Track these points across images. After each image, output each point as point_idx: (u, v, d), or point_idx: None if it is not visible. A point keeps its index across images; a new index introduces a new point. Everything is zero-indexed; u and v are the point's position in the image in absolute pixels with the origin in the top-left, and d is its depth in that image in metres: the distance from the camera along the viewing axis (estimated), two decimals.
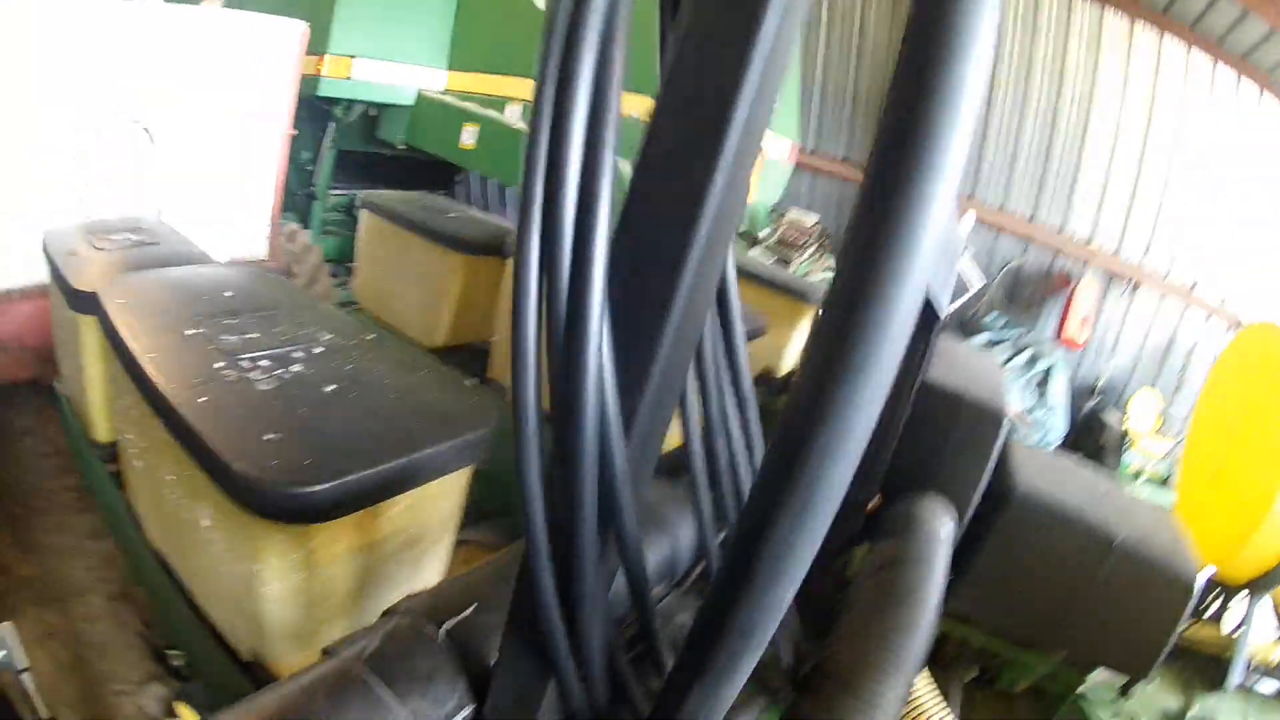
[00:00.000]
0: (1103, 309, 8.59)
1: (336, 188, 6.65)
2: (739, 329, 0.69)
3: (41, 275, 3.72)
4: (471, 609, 0.85)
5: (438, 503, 1.52)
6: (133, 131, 4.24)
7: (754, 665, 0.56)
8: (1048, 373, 7.59)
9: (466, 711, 0.78)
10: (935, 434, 1.47)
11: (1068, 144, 8.45)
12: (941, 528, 1.39)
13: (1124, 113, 8.13)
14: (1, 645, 1.82)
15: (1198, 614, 2.54)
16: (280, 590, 1.34)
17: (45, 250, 2.29)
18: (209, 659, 1.49)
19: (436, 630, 0.82)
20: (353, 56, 6.16)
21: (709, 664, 0.55)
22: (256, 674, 1.37)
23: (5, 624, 1.85)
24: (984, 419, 1.46)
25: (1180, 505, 3.39)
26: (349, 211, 4.15)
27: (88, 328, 1.92)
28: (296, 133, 5.33)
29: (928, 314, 1.37)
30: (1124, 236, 8.45)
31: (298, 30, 5.01)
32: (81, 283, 1.93)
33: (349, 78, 6.13)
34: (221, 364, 1.50)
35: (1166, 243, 8.26)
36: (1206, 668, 2.39)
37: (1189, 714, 2.11)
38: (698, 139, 0.50)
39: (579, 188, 0.49)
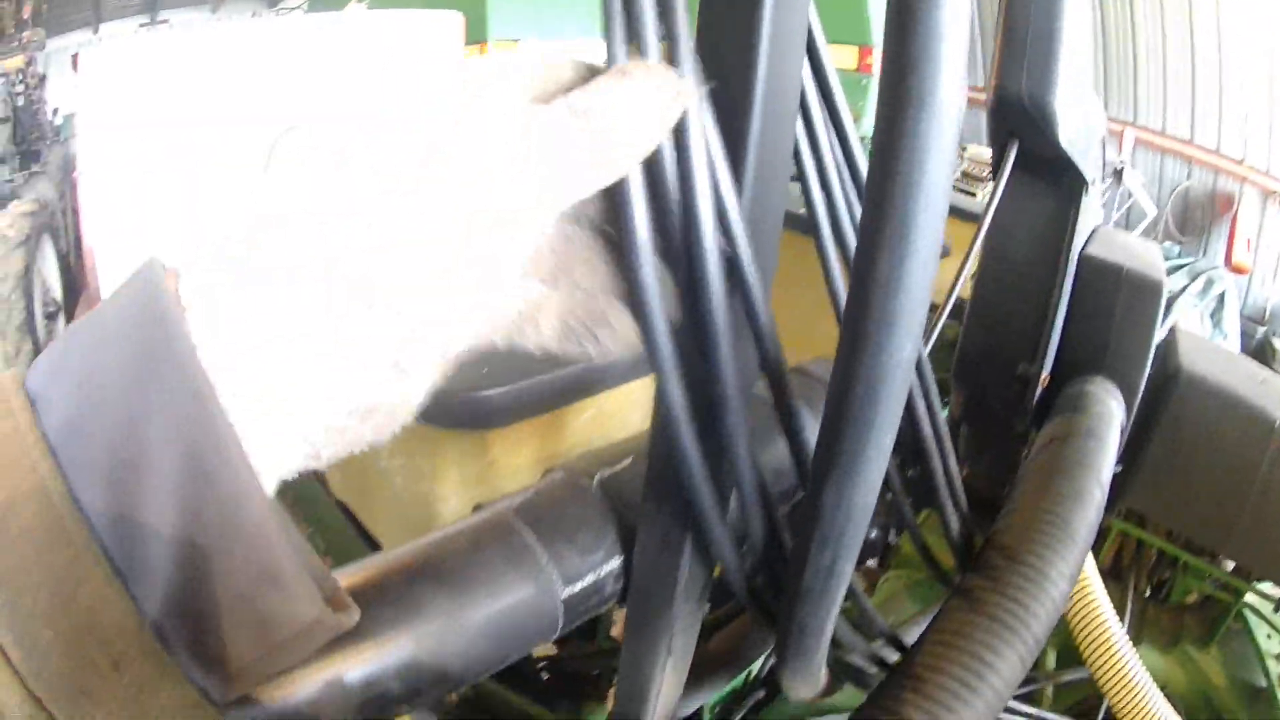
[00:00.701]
0: (1262, 230, 8.18)
1: None
2: (834, 84, 0.66)
3: None
4: (629, 460, 0.84)
5: (623, 414, 1.52)
6: (304, 145, 4.39)
7: (889, 443, 0.53)
8: (1221, 299, 7.22)
9: (615, 561, 0.78)
10: (1097, 311, 1.42)
11: (1208, 60, 8.09)
12: (1110, 406, 1.34)
13: (1254, 25, 7.72)
14: None
15: None
16: (460, 507, 1.36)
17: None
18: None
19: (590, 482, 0.82)
20: (517, 40, 6.11)
21: (842, 445, 0.53)
22: None
23: None
24: (1144, 290, 1.39)
25: None
26: None
27: None
28: None
29: (1073, 179, 1.34)
30: (1270, 152, 8.04)
31: (453, 20, 4.99)
32: None
33: None
34: None
35: None
36: None
37: None
38: None
39: None
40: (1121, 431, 1.41)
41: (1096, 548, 1.76)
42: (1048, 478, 1.09)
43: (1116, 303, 1.38)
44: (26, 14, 9.48)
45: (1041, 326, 1.37)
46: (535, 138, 0.38)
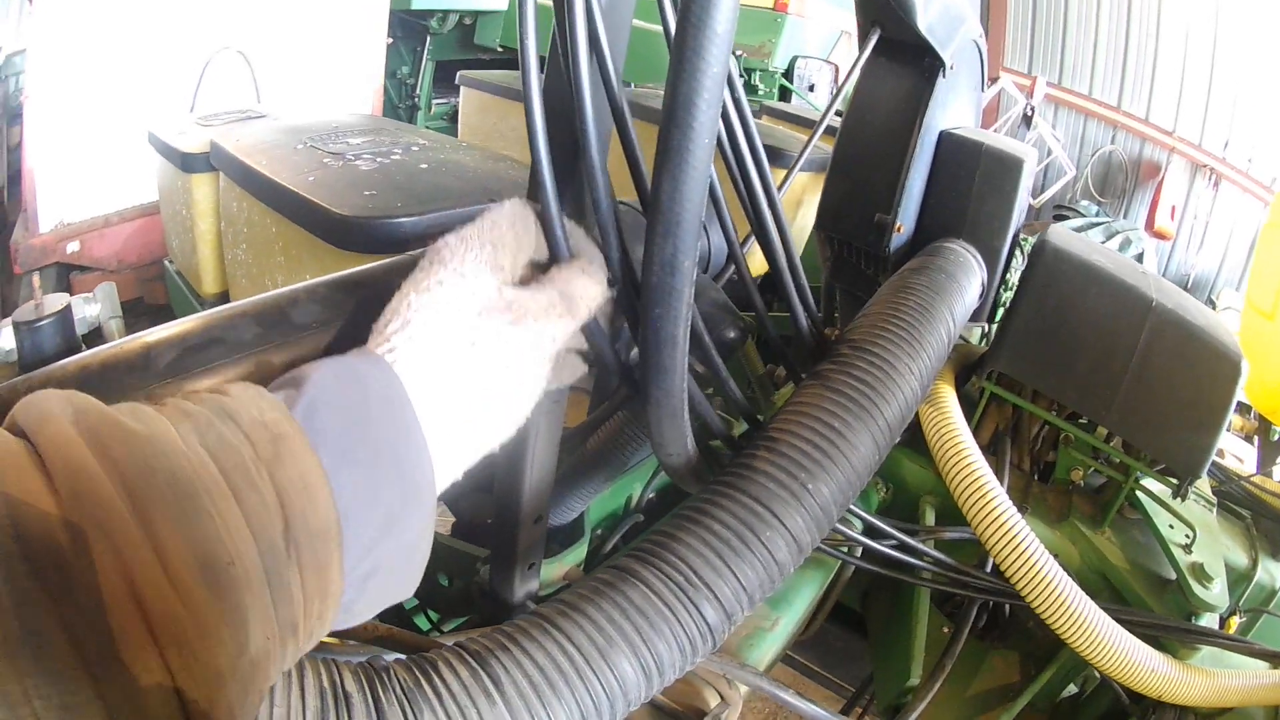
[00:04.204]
0: (1189, 201, 8.37)
1: (438, 99, 6.88)
2: None
3: (142, 196, 4.01)
4: None
5: None
6: (237, 60, 4.62)
7: (710, 143, 0.67)
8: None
9: None
10: (957, 181, 1.58)
11: (1144, 29, 8.24)
12: (966, 257, 1.50)
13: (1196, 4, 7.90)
14: (101, 300, 2.08)
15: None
16: None
17: (151, 139, 2.52)
18: None
19: None
20: None
21: (672, 143, 0.66)
22: None
23: (106, 284, 2.11)
24: (1003, 164, 1.55)
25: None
26: (453, 120, 4.32)
27: (199, 184, 2.21)
28: (392, 40, 5.52)
29: (932, 60, 1.51)
30: (1204, 127, 8.23)
31: None
32: (192, 147, 2.18)
33: None
34: (329, 160, 1.77)
35: (1245, 136, 8.03)
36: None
37: (1257, 576, 1.94)
38: None
39: None
40: (984, 291, 1.55)
41: (969, 412, 1.86)
42: (898, 294, 1.24)
43: (976, 174, 1.55)
44: None
45: (896, 182, 1.54)
46: (558, 305, 0.77)
